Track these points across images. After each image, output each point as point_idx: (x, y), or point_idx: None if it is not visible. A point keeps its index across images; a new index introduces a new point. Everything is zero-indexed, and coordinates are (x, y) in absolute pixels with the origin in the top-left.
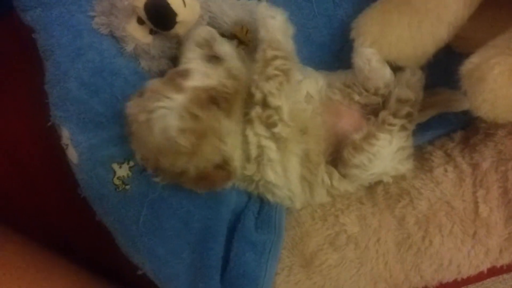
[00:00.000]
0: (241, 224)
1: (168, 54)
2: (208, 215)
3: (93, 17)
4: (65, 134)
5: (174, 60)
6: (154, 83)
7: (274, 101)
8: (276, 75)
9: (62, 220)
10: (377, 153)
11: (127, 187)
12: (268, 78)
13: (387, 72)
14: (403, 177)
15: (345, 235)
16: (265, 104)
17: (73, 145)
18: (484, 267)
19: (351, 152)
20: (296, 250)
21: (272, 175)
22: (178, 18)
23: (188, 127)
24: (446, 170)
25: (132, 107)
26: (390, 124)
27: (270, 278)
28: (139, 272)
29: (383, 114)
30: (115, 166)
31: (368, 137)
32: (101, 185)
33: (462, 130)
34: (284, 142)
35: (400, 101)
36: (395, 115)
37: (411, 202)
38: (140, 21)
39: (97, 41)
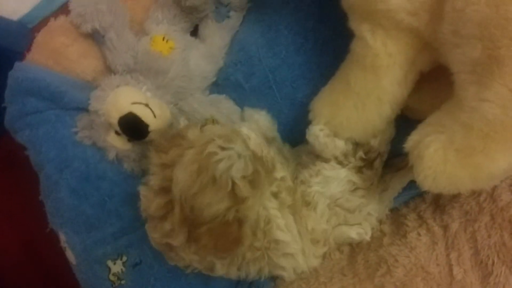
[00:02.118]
0: None
1: (148, 154)
2: None
3: (76, 132)
4: (62, 238)
5: None
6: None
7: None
8: None
9: None
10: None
11: (123, 282)
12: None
13: (339, 143)
14: (380, 244)
15: None
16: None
17: (70, 247)
18: None
19: None
20: None
21: (279, 233)
22: (150, 128)
23: (248, 177)
24: (419, 234)
25: (193, 135)
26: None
27: None
28: None
29: None
30: (109, 263)
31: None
32: (98, 283)
33: None
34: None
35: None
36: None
37: (388, 270)
38: (118, 133)
39: (81, 151)
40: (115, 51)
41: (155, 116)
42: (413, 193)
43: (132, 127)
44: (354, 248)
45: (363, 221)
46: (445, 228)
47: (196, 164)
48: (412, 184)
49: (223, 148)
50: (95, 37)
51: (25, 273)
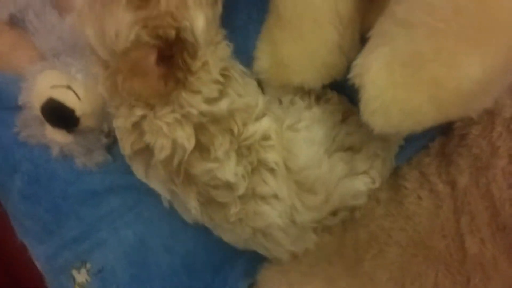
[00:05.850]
0: None
1: (98, 145)
2: None
3: (18, 132)
4: (29, 249)
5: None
6: None
7: None
8: None
9: None
10: None
11: None
12: None
13: None
14: (373, 217)
15: None
16: None
17: (35, 258)
18: None
19: None
20: None
21: None
22: (77, 113)
23: None
24: (419, 198)
25: None
26: None
27: None
28: None
29: None
30: (74, 272)
31: None
32: None
33: (442, 136)
34: None
35: None
36: None
37: (380, 251)
38: None
39: (27, 152)
40: (38, 34)
41: (79, 99)
42: (418, 145)
43: (55, 115)
44: (346, 226)
45: (369, 169)
46: (453, 184)
47: None
48: (415, 134)
49: None
50: (18, 24)
51: None
